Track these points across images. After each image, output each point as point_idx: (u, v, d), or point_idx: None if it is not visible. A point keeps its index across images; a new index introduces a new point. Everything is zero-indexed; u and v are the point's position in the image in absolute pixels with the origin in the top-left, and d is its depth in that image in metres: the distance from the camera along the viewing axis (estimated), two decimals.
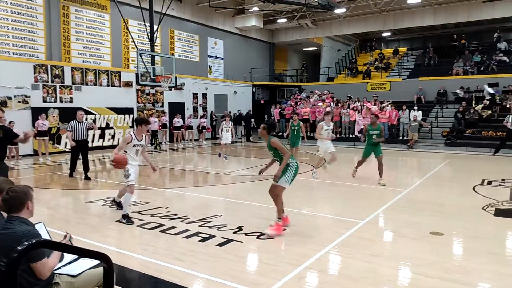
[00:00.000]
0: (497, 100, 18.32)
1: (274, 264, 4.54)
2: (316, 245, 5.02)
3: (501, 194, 8.10)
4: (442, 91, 20.35)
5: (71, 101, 15.80)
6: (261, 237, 5.35)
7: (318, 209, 7.18)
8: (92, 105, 16.35)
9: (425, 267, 4.41)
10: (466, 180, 9.93)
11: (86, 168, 9.90)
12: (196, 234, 5.43)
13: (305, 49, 30.54)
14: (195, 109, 21.80)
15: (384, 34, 29.31)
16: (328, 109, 18.09)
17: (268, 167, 5.82)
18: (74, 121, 9.77)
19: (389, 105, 18.97)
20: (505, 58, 21.29)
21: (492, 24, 24.13)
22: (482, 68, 21.15)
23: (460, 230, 5.86)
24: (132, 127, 18.00)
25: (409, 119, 18.06)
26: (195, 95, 21.83)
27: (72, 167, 10.18)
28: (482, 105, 18.11)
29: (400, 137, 18.37)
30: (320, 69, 27.74)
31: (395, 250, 4.99)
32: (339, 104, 20.50)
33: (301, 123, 12.45)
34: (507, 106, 17.63)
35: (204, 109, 22.39)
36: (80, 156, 9.97)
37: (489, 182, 9.49)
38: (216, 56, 23.73)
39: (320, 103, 20.69)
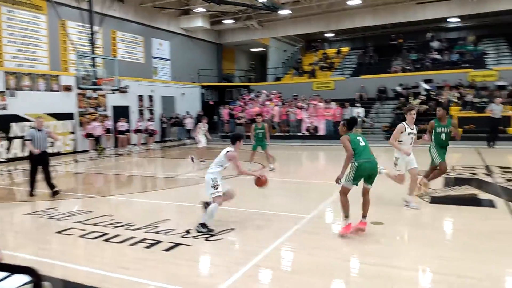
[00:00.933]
0: (432, 96, 19.58)
1: (222, 264, 4.56)
2: (264, 242, 5.10)
3: (436, 183, 8.66)
4: (381, 88, 21.41)
5: (4, 108, 14.80)
6: (209, 238, 5.34)
7: (267, 206, 7.29)
8: (28, 111, 15.40)
9: (367, 256, 4.65)
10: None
11: (49, 183, 8.42)
12: (142, 241, 5.31)
13: (252, 49, 30.79)
14: (141, 112, 21.25)
15: (327, 35, 30.25)
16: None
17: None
18: (33, 129, 8.53)
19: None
20: (438, 56, 22.81)
21: (427, 24, 25.73)
22: (418, 66, 22.52)
23: (398, 219, 6.22)
24: (73, 133, 17.21)
25: (352, 116, 18.83)
26: (140, 98, 21.27)
27: (32, 184, 8.54)
28: (419, 100, 19.25)
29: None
30: (268, 69, 28.11)
31: (339, 242, 5.19)
32: (286, 103, 20.93)
33: (265, 124, 11.41)
34: (441, 100, 18.90)
35: (151, 111, 21.89)
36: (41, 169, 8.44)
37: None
38: (162, 57, 23.27)
39: (268, 103, 20.98)
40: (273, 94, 22.57)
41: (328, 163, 14.27)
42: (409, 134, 6.64)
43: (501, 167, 10.65)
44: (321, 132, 19.47)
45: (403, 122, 6.72)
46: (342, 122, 5.62)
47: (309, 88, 23.16)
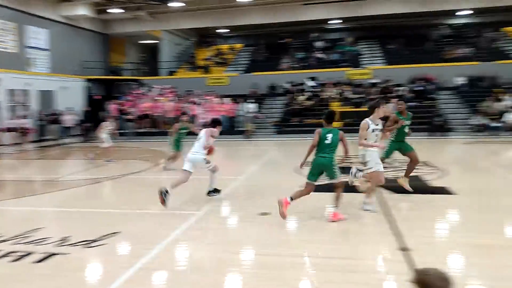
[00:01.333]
0: (316, 92, 21.12)
1: (104, 271, 4.28)
2: (151, 244, 4.92)
3: None
4: (272, 85, 22.39)
5: None
6: (91, 245, 4.96)
7: (154, 206, 7.05)
8: None
9: (259, 246, 4.82)
10: (291, 163, 11.09)
11: None
12: (8, 254, 4.69)
13: (143, 41, 29.53)
14: (14, 108, 18.85)
15: (221, 31, 30.47)
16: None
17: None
18: None
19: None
20: (322, 55, 24.65)
21: (312, 24, 27.56)
22: (304, 64, 24.06)
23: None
24: None
25: (245, 111, 19.35)
26: (13, 92, 18.86)
27: None
28: (304, 96, 20.59)
29: (238, 128, 19.52)
30: (160, 63, 27.25)
31: (229, 235, 5.28)
32: (180, 98, 20.59)
33: (189, 124, 10.74)
34: (323, 97, 20.50)
35: (26, 107, 19.56)
36: None
37: (309, 163, 10.85)
38: (39, 47, 20.92)
39: (160, 98, 20.38)
40: (166, 89, 21.98)
41: (223, 159, 14.42)
42: (373, 131, 6.12)
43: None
44: None
45: (366, 119, 6.17)
46: (324, 116, 6.08)
47: (203, 84, 23.10)
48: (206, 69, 25.18)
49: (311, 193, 5.97)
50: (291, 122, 19.35)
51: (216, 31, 30.37)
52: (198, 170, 7.10)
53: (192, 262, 4.49)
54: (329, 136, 5.69)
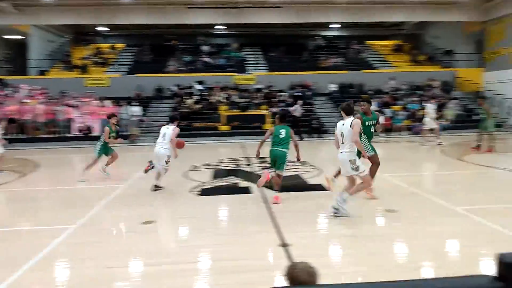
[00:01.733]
0: (204, 96, 21.15)
1: None
2: (13, 267, 4.28)
3: (206, 176, 9.35)
4: (158, 87, 21.73)
5: None
6: None
7: (19, 223, 6.21)
8: None
9: (143, 256, 4.55)
10: (179, 168, 10.87)
11: None
12: None
13: (8, 36, 25.98)
14: None
15: (100, 29, 28.50)
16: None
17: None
18: None
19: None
20: (209, 59, 24.79)
21: (198, 28, 27.54)
22: (191, 67, 23.89)
23: (169, 215, 6.35)
24: None
25: (129, 115, 18.39)
26: None
27: None
28: (192, 100, 20.44)
29: (122, 133, 18.42)
30: (29, 61, 24.29)
31: (109, 248, 4.88)
32: (53, 100, 18.62)
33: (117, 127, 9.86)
34: (211, 100, 20.63)
35: None
36: None
37: (197, 167, 10.80)
38: None
39: (29, 100, 18.16)
40: (35, 90, 19.66)
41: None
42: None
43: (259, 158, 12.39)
44: (96, 132, 18.18)
45: (353, 117, 5.83)
46: (277, 116, 7.34)
47: (80, 85, 21.27)
48: (83, 69, 23.25)
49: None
50: (179, 126, 18.97)
51: (96, 29, 28.32)
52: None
53: (62, 283, 4.02)
54: (283, 131, 6.75)
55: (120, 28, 28.07)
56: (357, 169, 5.68)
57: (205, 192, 7.84)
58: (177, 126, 8.23)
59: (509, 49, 22.01)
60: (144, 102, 20.53)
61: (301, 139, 18.12)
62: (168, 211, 6.58)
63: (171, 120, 8.44)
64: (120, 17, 23.32)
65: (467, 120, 19.91)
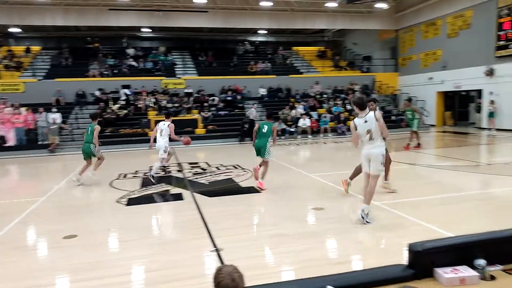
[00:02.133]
0: (131, 101, 20.35)
1: None
2: None
3: (134, 185, 8.98)
4: (80, 92, 20.48)
5: None
6: None
7: None
8: None
9: (69, 272, 4.22)
10: (105, 177, 10.31)
11: None
12: None
13: None
14: None
15: (13, 30, 26.18)
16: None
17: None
18: None
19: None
20: (134, 63, 23.92)
21: (122, 31, 26.46)
22: (115, 71, 22.86)
23: (95, 227, 5.99)
24: None
25: (48, 122, 17.10)
26: None
27: None
28: (118, 105, 19.57)
29: (40, 142, 17.09)
30: None
31: (31, 266, 4.47)
32: None
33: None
34: (139, 105, 19.94)
35: None
36: None
37: (125, 176, 10.34)
38: None
39: None
40: None
41: (20, 179, 12.35)
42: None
43: (190, 163, 12.21)
44: (11, 142, 16.66)
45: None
46: (266, 114, 8.86)
47: None
48: None
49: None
50: (105, 133, 18.04)
51: (8, 30, 25.96)
52: None
53: None
54: (266, 127, 8.11)
55: (36, 30, 26.06)
56: (383, 164, 5.58)
57: (133, 201, 7.53)
58: (171, 122, 9.47)
59: (419, 55, 24.18)
60: (65, 109, 19.23)
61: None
62: (94, 223, 6.19)
63: (166, 116, 9.71)
64: (34, 18, 21.67)
65: (386, 121, 21.43)
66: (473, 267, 1.93)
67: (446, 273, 1.88)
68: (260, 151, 8.12)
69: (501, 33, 18.34)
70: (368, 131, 5.41)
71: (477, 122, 20.75)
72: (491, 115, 18.41)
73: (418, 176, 9.45)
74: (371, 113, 5.44)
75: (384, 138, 5.57)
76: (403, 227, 5.39)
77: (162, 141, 9.32)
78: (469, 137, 17.60)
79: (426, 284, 1.84)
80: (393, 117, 21.58)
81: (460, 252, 1.94)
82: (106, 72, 22.48)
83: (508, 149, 13.69)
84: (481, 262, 1.91)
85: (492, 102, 18.56)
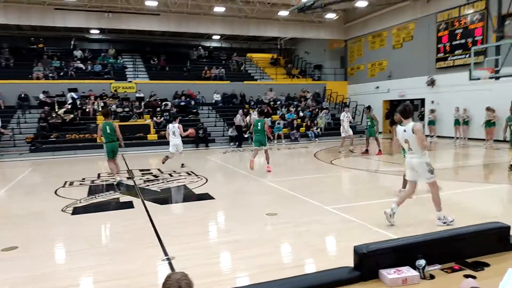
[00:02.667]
0: (78, 105, 19.48)
1: None
2: None
3: (81, 193, 8.59)
4: (23, 95, 19.33)
5: None
6: None
7: None
8: None
9: (5, 287, 3.92)
10: (49, 185, 9.80)
11: None
12: None
13: None
14: None
15: None
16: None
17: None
18: None
19: None
20: (81, 65, 22.97)
21: (69, 31, 25.35)
22: (62, 74, 21.83)
23: (38, 238, 5.64)
24: None
25: None
26: None
27: None
28: (64, 109, 18.68)
29: None
30: None
31: None
32: None
33: None
34: (87, 110, 19.15)
35: None
36: None
37: (71, 183, 9.87)
38: None
39: None
40: None
41: None
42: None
43: (141, 170, 11.89)
44: None
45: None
46: (259, 110, 12.27)
47: None
48: None
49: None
50: (50, 139, 17.14)
51: None
52: None
53: None
54: (259, 124, 10.59)
55: None
56: (432, 171, 5.56)
57: (80, 210, 7.19)
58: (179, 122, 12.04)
59: (367, 65, 25.29)
60: (5, 113, 18.05)
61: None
62: (36, 234, 5.83)
63: (174, 118, 12.38)
64: None
65: (335, 128, 22.17)
66: (414, 267, 2.04)
67: (389, 274, 1.97)
68: (261, 143, 10.55)
69: (440, 45, 19.66)
70: (406, 141, 5.53)
71: None
72: (432, 123, 19.61)
73: (366, 181, 9.84)
74: (411, 124, 5.45)
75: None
76: (353, 230, 5.58)
77: (178, 140, 11.75)
78: None
79: (371, 285, 1.92)
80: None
81: (403, 253, 2.05)
82: (51, 75, 21.40)
83: (447, 155, 14.63)
84: (421, 262, 2.03)
85: (432, 111, 19.78)
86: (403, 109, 5.57)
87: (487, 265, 2.16)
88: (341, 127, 15.14)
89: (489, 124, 15.76)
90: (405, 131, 5.49)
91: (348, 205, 7.01)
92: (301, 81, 26.81)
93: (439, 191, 5.72)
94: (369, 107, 14.80)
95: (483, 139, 16.16)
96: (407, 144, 5.53)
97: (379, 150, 13.95)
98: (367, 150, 14.13)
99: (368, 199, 7.50)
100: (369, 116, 14.12)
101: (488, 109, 16.17)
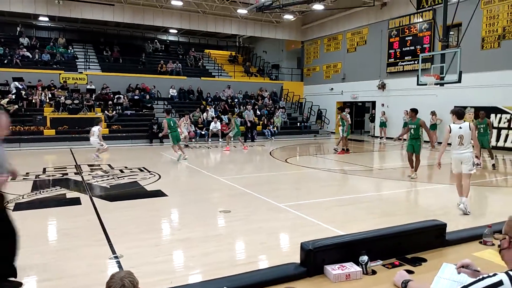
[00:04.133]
0: (23, 95, 18.36)
1: None
2: None
3: (24, 188, 8.12)
4: None
5: None
6: None
7: None
8: None
9: None
10: None
11: None
12: None
13: None
14: None
15: None
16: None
17: None
18: None
19: None
20: (28, 53, 21.67)
21: (15, 17, 23.82)
22: (6, 61, 20.48)
23: None
24: None
25: None
26: None
27: None
28: (8, 99, 17.54)
29: None
30: None
31: None
32: None
33: None
34: (33, 100, 18.12)
35: None
36: None
37: (13, 178, 9.27)
38: None
39: None
40: None
41: None
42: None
43: (89, 165, 11.44)
44: None
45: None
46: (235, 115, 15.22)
47: None
48: None
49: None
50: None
51: None
52: None
53: None
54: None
55: None
56: (473, 164, 6.45)
57: (23, 205, 6.80)
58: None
59: (323, 67, 25.91)
60: None
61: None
62: None
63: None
64: None
65: (291, 127, 22.56)
66: (358, 263, 2.13)
67: (334, 269, 2.04)
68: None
69: (391, 51, 20.54)
70: (460, 137, 6.35)
71: (371, 131, 22.89)
72: (383, 124, 20.47)
73: (319, 179, 10.09)
74: (467, 123, 6.43)
75: (473, 146, 6.52)
76: (303, 227, 5.70)
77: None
78: (364, 144, 19.33)
79: (316, 281, 1.98)
80: (297, 124, 22.84)
81: (347, 249, 2.13)
82: None
83: (396, 156, 15.34)
84: (364, 258, 2.12)
85: (383, 113, 20.64)
86: (458, 111, 6.58)
87: (425, 260, 2.29)
88: (340, 127, 15.08)
89: (433, 127, 16.73)
90: (460, 128, 6.37)
91: (300, 202, 7.15)
92: (259, 79, 26.97)
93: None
94: (340, 108, 15.28)
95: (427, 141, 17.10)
96: (460, 139, 6.37)
97: (343, 149, 14.40)
98: (347, 149, 14.63)
99: (320, 196, 7.70)
100: (341, 117, 14.64)
101: (432, 113, 17.20)
